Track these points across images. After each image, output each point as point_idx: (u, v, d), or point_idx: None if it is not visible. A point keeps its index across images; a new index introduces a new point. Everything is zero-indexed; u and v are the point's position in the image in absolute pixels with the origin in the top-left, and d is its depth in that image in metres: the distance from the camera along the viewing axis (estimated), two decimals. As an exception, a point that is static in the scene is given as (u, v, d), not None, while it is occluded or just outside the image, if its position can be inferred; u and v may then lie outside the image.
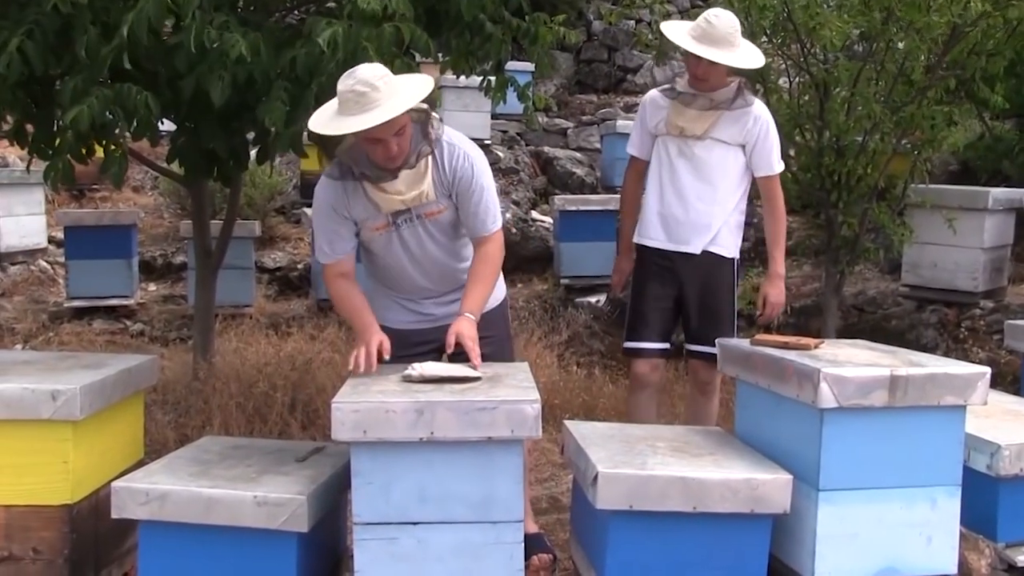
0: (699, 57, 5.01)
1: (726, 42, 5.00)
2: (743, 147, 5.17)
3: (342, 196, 4.16)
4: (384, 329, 4.21)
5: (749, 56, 5.13)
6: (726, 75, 5.17)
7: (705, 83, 5.12)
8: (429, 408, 3.48)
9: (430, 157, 4.14)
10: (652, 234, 5.26)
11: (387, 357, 4.02)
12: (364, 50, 4.59)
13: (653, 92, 5.45)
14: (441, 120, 4.26)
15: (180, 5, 4.47)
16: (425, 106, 4.13)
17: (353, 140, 4.10)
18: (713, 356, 4.81)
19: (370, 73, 3.90)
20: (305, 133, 4.79)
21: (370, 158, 4.07)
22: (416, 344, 4.32)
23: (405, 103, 3.89)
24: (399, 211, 4.17)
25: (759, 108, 5.22)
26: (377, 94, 3.85)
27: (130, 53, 4.65)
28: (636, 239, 5.35)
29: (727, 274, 5.24)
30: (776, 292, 5.38)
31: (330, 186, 4.19)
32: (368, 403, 3.50)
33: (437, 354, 4.27)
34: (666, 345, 5.29)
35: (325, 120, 3.97)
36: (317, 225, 4.28)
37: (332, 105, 4.00)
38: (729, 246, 5.24)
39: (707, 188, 5.15)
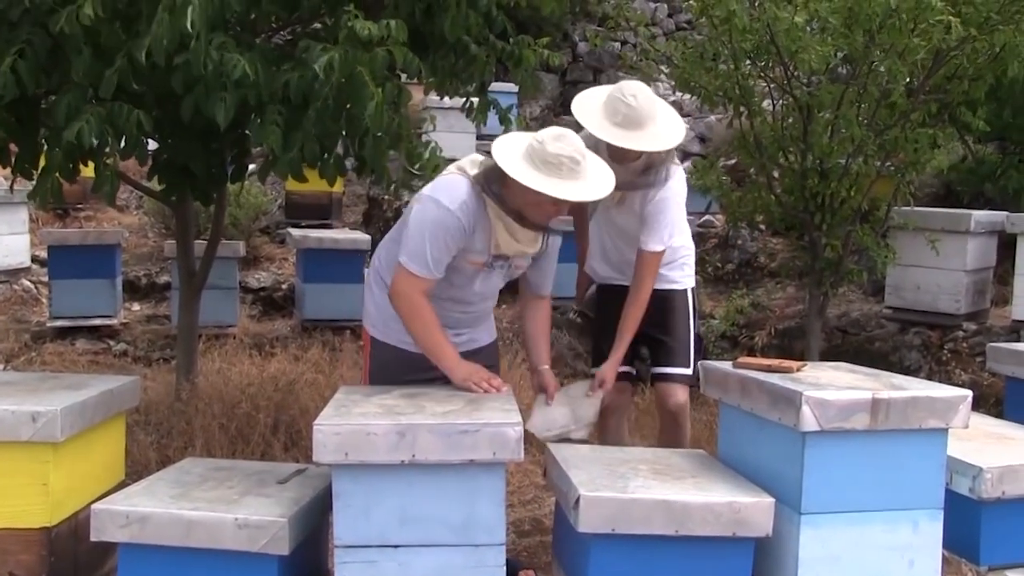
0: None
1: (643, 124, 4.68)
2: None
3: (470, 225, 4.10)
4: (396, 351, 4.34)
5: (669, 136, 4.76)
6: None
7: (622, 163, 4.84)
8: (411, 431, 3.47)
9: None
10: (601, 272, 5.31)
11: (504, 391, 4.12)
12: (359, 75, 4.60)
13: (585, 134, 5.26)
14: None
15: (193, 27, 4.45)
16: None
17: (500, 174, 4.05)
18: (673, 376, 4.96)
19: (579, 144, 4.06)
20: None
21: (523, 209, 4.09)
22: (427, 369, 4.30)
23: (609, 185, 4.16)
24: (502, 255, 4.24)
25: (667, 186, 4.89)
26: (582, 166, 4.04)
27: (138, 78, 4.68)
28: (589, 272, 5.39)
29: (681, 301, 5.18)
30: (607, 367, 4.99)
31: (465, 213, 4.08)
32: (350, 425, 3.49)
33: (442, 380, 4.31)
34: (629, 368, 5.24)
35: (524, 170, 3.98)
36: (433, 241, 4.07)
37: (519, 146, 4.07)
38: (678, 279, 5.19)
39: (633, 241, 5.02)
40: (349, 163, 5.66)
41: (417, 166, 5.89)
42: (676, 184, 4.90)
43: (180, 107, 4.83)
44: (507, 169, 3.97)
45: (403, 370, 4.33)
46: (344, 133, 5.27)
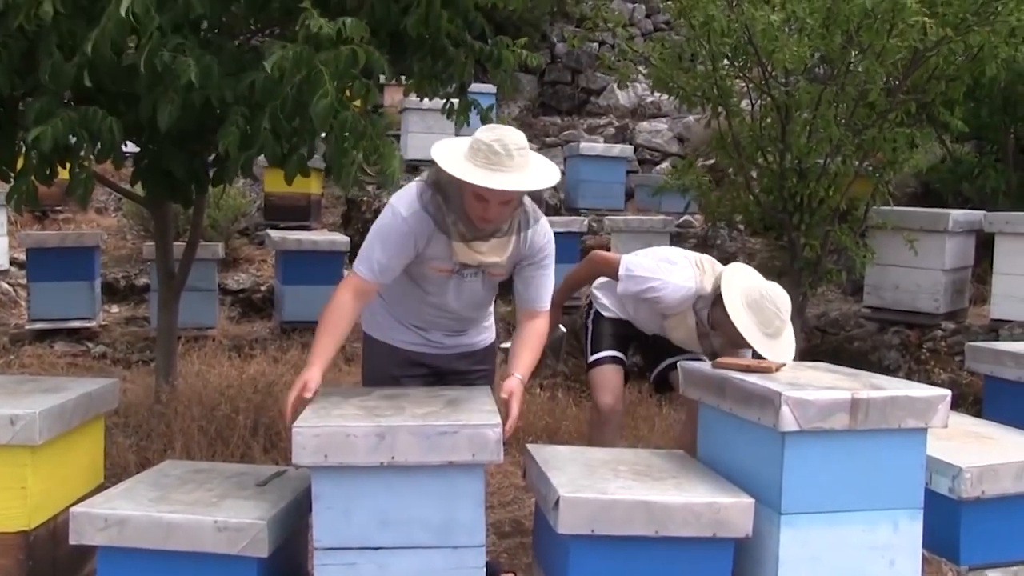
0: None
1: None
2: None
3: (423, 234, 4.07)
4: (388, 347, 4.40)
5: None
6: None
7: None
8: (390, 432, 3.47)
9: (516, 232, 4.17)
10: (602, 301, 5.35)
11: (308, 396, 3.88)
12: (319, 73, 4.56)
13: None
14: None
15: (141, 24, 4.44)
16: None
17: (448, 179, 4.00)
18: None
19: (511, 139, 3.92)
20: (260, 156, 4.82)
21: (465, 207, 4.03)
22: (414, 365, 4.37)
23: (530, 183, 3.97)
24: (468, 264, 4.17)
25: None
26: (510, 161, 3.88)
27: (93, 73, 4.64)
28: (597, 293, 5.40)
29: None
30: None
31: (417, 220, 4.06)
32: (329, 427, 3.48)
33: (433, 377, 4.38)
34: (624, 357, 5.27)
35: (451, 158, 3.95)
36: (382, 242, 4.09)
37: (462, 143, 4.01)
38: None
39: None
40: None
41: (375, 165, 5.83)
42: None
43: (141, 108, 4.82)
44: (434, 155, 3.99)
45: (391, 364, 4.39)
46: (296, 131, 5.22)
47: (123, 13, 4.33)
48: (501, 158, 3.86)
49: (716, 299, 4.67)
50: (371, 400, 3.90)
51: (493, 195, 3.89)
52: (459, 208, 4.04)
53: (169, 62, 4.55)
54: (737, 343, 4.65)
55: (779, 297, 4.59)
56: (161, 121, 4.67)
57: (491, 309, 4.62)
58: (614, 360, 5.21)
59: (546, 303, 4.34)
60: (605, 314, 5.28)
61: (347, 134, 4.86)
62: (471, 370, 4.52)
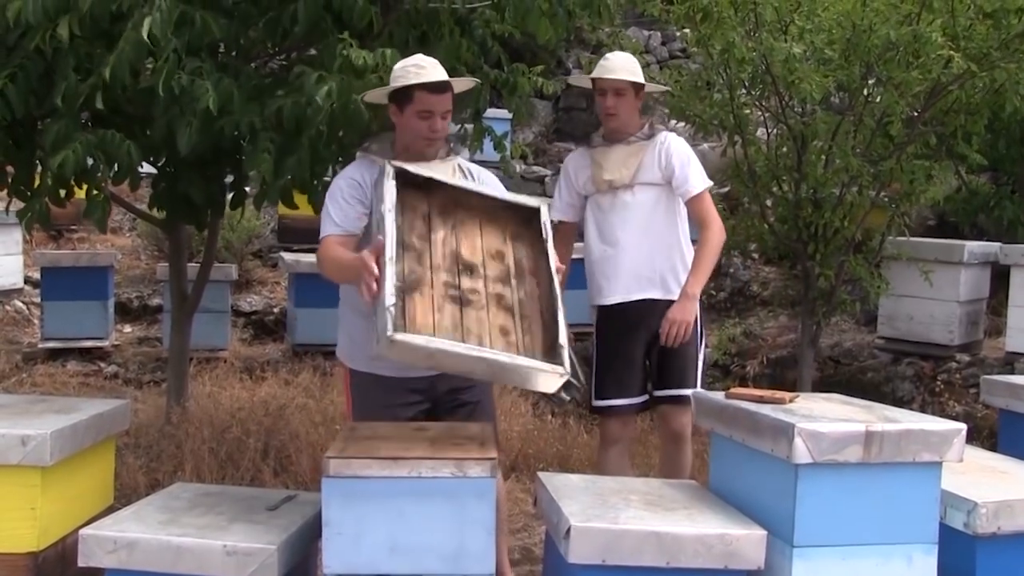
0: (604, 92, 5.13)
1: (625, 70, 5.09)
2: (669, 182, 5.15)
3: (364, 179, 4.22)
4: (372, 378, 4.32)
5: (642, 77, 5.21)
6: (637, 114, 5.24)
7: (616, 118, 5.16)
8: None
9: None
10: (606, 292, 5.24)
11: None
12: (355, 102, 4.62)
13: (571, 154, 5.49)
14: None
15: (157, 47, 4.46)
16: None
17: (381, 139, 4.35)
18: (682, 399, 4.85)
19: (427, 59, 4.25)
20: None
21: (407, 142, 4.24)
22: (409, 392, 4.29)
23: (461, 83, 4.41)
24: None
25: (671, 137, 5.22)
26: (435, 69, 4.19)
27: (110, 96, 4.66)
28: (594, 303, 5.32)
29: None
30: (677, 309, 5.06)
31: (358, 167, 4.31)
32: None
33: (430, 408, 4.34)
34: (642, 398, 5.24)
35: (383, 90, 4.28)
36: (332, 204, 4.23)
37: (384, 88, 4.30)
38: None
39: (645, 235, 5.15)
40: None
41: None
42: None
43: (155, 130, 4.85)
44: (368, 97, 4.42)
45: (381, 394, 4.31)
46: (340, 159, 5.29)
47: (144, 35, 4.35)
48: (425, 69, 4.18)
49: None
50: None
51: (436, 104, 4.17)
52: (400, 144, 4.29)
53: (187, 86, 4.56)
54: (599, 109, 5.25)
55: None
56: (180, 145, 4.69)
57: None
58: (625, 409, 5.21)
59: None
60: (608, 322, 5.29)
61: None
62: (466, 387, 4.37)
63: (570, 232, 5.39)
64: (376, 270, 3.58)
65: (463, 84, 4.45)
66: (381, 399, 4.30)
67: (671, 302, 5.07)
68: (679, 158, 5.13)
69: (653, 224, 5.16)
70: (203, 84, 4.57)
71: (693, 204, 5.16)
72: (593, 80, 5.18)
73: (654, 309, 5.11)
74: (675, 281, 5.15)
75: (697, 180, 5.15)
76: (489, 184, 4.34)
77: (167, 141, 4.88)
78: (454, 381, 4.26)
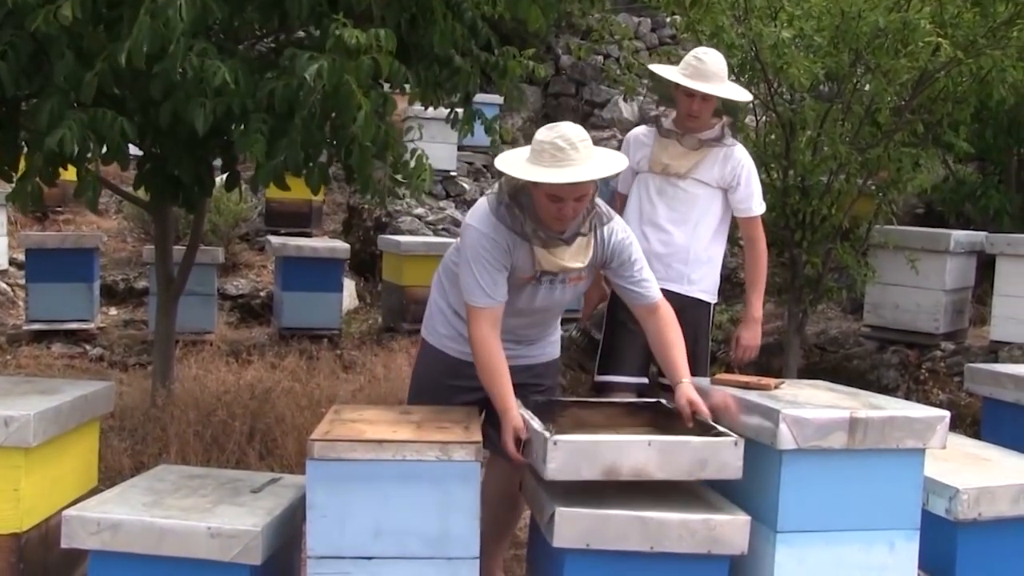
0: (692, 94, 5.06)
1: (717, 78, 5.07)
2: (724, 191, 5.19)
3: (507, 241, 4.03)
4: (441, 355, 4.38)
5: (739, 90, 5.24)
6: (712, 115, 5.21)
7: (697, 120, 5.16)
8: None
9: (592, 232, 4.12)
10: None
11: (523, 437, 3.84)
12: (347, 84, 4.59)
13: (637, 129, 5.50)
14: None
15: (169, 31, 4.42)
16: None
17: (520, 185, 4.00)
18: None
19: (573, 133, 3.89)
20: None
21: (540, 214, 4.00)
22: (468, 376, 4.22)
23: (602, 170, 3.92)
24: (549, 271, 4.13)
25: (741, 151, 5.25)
26: (576, 154, 3.84)
27: (116, 81, 4.65)
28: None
29: (704, 319, 5.27)
30: (750, 335, 5.40)
31: (499, 232, 4.03)
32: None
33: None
34: (642, 379, 5.23)
35: (516, 164, 3.93)
36: (478, 267, 4.02)
37: (523, 152, 3.99)
38: (709, 290, 5.30)
39: (685, 227, 5.17)
40: (333, 172, 5.66)
41: (402, 175, 5.86)
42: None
43: (159, 113, 4.81)
44: (500, 166, 3.98)
45: (445, 374, 4.35)
46: (333, 142, 5.27)
47: (165, 27, 4.34)
48: (567, 152, 3.83)
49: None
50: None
51: (566, 191, 3.87)
52: (535, 215, 4.01)
53: (198, 67, 4.54)
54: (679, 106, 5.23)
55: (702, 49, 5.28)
56: (198, 126, 4.66)
57: (559, 323, 4.59)
58: (627, 386, 5.21)
59: (658, 292, 4.26)
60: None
61: (370, 144, 4.89)
62: (530, 384, 4.37)
63: (622, 205, 5.41)
64: (525, 432, 3.81)
65: (598, 174, 3.92)
66: (446, 376, 4.33)
67: (683, 298, 5.07)
68: (747, 175, 5.23)
69: (693, 219, 5.20)
70: (213, 63, 4.56)
71: (748, 223, 5.32)
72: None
73: (673, 302, 5.10)
74: (690, 281, 5.20)
75: (758, 202, 5.31)
76: (618, 258, 4.19)
77: (172, 125, 4.85)
78: (523, 376, 4.28)
